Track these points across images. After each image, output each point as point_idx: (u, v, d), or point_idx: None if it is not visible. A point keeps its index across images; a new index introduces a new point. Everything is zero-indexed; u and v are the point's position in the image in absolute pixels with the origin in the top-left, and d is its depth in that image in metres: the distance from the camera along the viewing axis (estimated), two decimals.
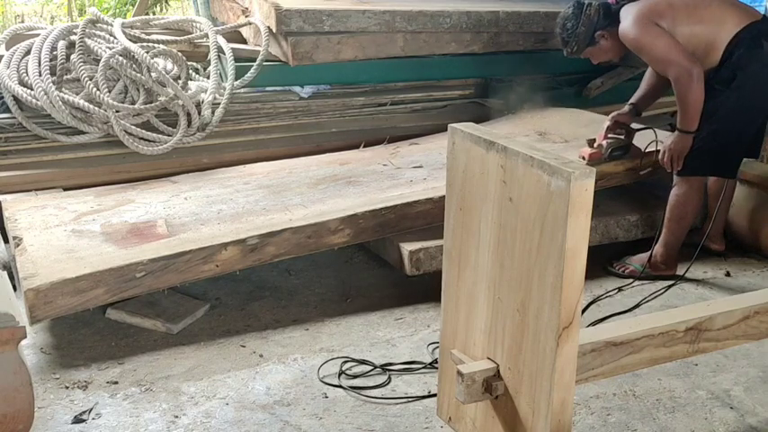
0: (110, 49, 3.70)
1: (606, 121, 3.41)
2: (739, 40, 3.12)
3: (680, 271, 3.36)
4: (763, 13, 3.45)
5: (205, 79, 3.94)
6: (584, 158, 3.37)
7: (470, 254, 1.97)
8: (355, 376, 2.59)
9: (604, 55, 3.40)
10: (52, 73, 3.58)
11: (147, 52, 3.66)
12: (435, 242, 3.05)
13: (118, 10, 6.72)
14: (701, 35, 3.15)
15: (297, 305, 3.09)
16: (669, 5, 3.19)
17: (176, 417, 2.35)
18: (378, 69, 4.19)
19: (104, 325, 2.88)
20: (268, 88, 4.02)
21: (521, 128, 4.03)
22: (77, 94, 3.54)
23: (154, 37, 3.98)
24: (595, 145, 3.39)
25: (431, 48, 4.22)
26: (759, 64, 3.13)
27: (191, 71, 3.93)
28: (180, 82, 3.71)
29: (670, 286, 3.25)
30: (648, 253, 3.36)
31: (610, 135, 3.40)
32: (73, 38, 3.75)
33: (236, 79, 3.85)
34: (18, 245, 2.85)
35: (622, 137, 3.42)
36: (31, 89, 3.52)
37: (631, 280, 3.31)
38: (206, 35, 4.02)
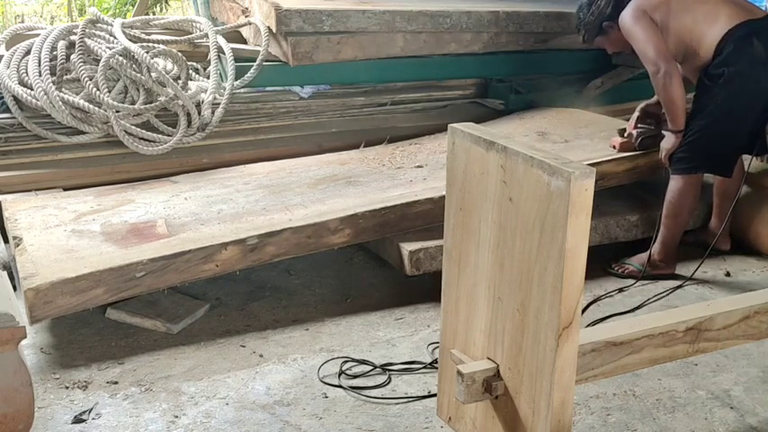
0: (110, 49, 3.70)
1: (636, 111, 3.49)
2: (730, 37, 3.14)
3: (679, 270, 3.36)
4: (765, 10, 3.45)
5: (205, 79, 3.94)
6: (614, 147, 3.51)
7: (470, 254, 1.97)
8: (355, 376, 2.59)
9: (614, 45, 3.46)
10: (52, 73, 3.58)
11: (147, 52, 3.66)
12: (435, 242, 3.05)
13: (118, 10, 6.72)
14: (693, 31, 3.19)
15: (297, 305, 3.09)
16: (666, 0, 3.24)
17: (176, 417, 2.35)
18: (378, 69, 4.19)
19: (104, 325, 2.88)
20: (268, 88, 4.02)
21: (521, 128, 4.02)
22: (77, 94, 3.54)
23: (154, 37, 3.98)
24: (626, 134, 3.50)
25: (431, 48, 4.21)
26: (748, 62, 3.14)
27: (191, 71, 3.93)
28: (180, 82, 3.71)
29: (676, 288, 3.24)
30: (647, 252, 3.36)
31: (640, 125, 3.49)
32: (73, 38, 3.75)
33: (236, 79, 3.85)
34: (18, 245, 2.85)
35: (652, 126, 3.48)
36: (31, 89, 3.52)
37: (633, 281, 3.31)
38: (206, 35, 4.02)
